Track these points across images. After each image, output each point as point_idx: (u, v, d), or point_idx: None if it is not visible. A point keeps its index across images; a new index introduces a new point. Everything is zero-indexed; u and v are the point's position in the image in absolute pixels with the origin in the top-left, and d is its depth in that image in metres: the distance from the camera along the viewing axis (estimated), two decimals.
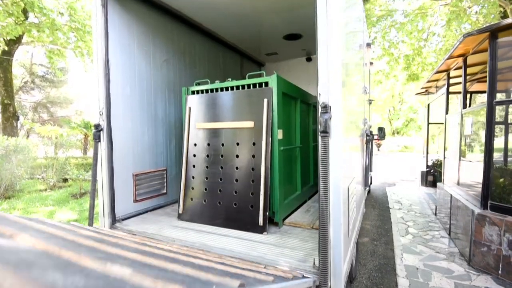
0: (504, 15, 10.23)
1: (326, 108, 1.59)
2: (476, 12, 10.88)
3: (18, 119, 15.02)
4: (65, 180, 9.32)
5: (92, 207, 2.77)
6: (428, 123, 8.14)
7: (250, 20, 3.86)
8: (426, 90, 7.92)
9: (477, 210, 3.68)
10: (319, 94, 1.63)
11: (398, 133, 33.35)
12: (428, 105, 8.22)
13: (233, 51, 4.92)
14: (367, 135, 3.78)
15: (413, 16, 9.76)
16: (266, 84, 2.55)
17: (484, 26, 4.18)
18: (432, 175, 7.74)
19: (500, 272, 3.38)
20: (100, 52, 2.75)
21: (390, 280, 3.40)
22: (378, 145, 23.49)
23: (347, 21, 2.16)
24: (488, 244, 3.52)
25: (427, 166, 8.02)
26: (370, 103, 5.05)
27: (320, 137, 1.63)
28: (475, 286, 3.23)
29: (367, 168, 3.89)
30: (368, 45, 4.00)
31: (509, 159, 4.66)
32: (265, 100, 2.49)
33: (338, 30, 1.70)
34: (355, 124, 2.78)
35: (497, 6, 10.04)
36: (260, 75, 2.63)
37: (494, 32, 3.63)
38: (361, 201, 3.38)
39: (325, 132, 1.59)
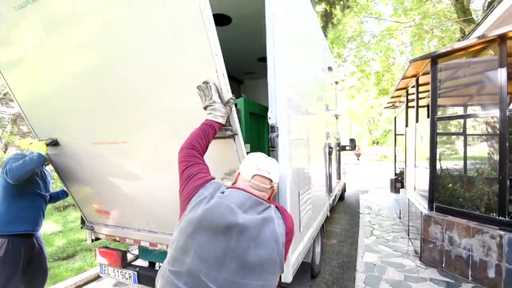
0: (464, 35, 11.27)
1: (273, 128, 2.06)
2: (441, 31, 11.91)
3: None
4: None
5: None
6: (395, 134, 8.84)
7: (228, 44, 4.30)
8: (392, 104, 8.63)
9: (425, 212, 4.21)
10: (269, 118, 2.08)
11: (377, 143, 34.64)
12: (395, 118, 8.94)
13: None
14: (329, 147, 4.27)
15: (381, 37, 10.67)
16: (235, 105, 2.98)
17: (445, 46, 4.86)
18: (400, 182, 8.37)
19: (443, 265, 3.89)
20: None
21: (349, 275, 3.84)
22: (358, 155, 24.40)
23: (296, 55, 2.62)
24: (434, 241, 4.03)
25: (395, 174, 8.67)
26: (337, 118, 5.58)
27: (270, 151, 2.08)
28: (422, 277, 3.71)
29: (331, 176, 4.37)
30: (330, 68, 4.54)
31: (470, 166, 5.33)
32: None
33: (286, 64, 2.16)
34: (312, 138, 3.23)
35: (459, 27, 11.07)
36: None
37: (434, 58, 4.25)
38: (322, 205, 3.83)
39: (273, 147, 2.05)
